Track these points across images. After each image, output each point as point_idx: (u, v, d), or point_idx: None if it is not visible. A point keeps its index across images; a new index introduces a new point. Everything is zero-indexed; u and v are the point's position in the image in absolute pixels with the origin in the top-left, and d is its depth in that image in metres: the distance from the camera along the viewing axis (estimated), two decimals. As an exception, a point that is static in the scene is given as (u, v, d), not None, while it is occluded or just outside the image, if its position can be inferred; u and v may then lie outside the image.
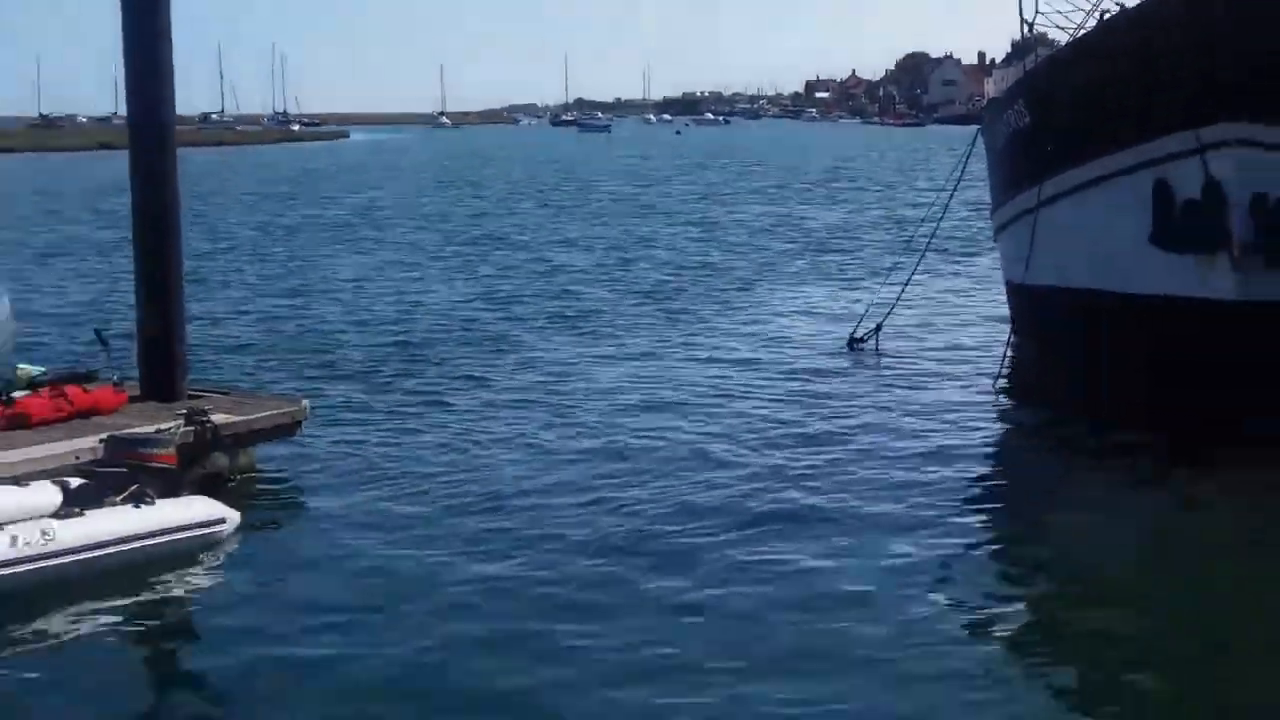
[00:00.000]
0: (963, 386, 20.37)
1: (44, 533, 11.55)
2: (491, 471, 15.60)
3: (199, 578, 12.21)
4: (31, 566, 11.35)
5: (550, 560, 12.52)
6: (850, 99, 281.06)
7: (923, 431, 17.50)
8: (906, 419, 18.20)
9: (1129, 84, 16.69)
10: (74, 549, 11.67)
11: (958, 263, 33.29)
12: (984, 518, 14.40)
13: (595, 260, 38.04)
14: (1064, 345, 19.57)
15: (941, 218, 25.44)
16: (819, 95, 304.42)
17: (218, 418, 14.49)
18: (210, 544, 12.66)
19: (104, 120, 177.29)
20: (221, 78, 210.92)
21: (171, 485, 13.02)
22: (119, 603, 11.50)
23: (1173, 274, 16.63)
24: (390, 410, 18.68)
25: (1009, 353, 21.13)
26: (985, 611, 11.71)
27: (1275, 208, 15.97)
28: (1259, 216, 15.96)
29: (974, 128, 25.41)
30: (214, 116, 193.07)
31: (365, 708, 9.59)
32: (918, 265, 25.66)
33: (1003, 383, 20.28)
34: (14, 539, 11.35)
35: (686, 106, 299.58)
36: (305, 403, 16.07)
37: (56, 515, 11.92)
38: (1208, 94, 15.57)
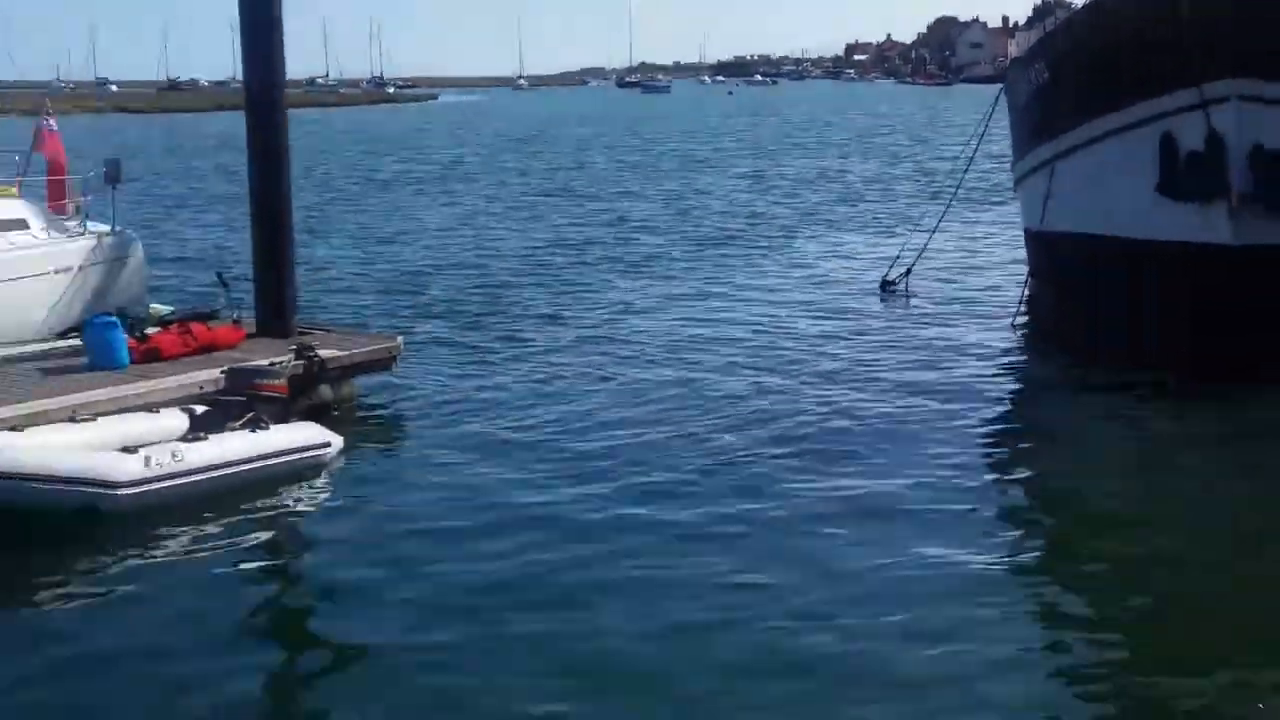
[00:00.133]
0: (984, 326, 20.48)
1: (173, 454, 11.92)
2: (563, 401, 15.76)
3: (306, 495, 12.43)
4: (163, 485, 11.71)
5: (615, 481, 12.71)
6: (885, 61, 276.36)
7: (947, 366, 17.64)
8: (933, 355, 18.32)
9: (1138, 44, 16.48)
10: (199, 469, 12.00)
11: (981, 211, 33.12)
12: (997, 444, 14.53)
13: (656, 209, 38.15)
14: (1077, 288, 19.34)
15: (966, 170, 25.47)
16: (857, 58, 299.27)
17: (324, 352, 14.72)
18: (317, 466, 12.91)
19: (222, 84, 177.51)
20: (326, 46, 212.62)
21: (283, 412, 13.31)
22: (237, 517, 11.75)
23: (1177, 221, 16.52)
24: (474, 345, 18.90)
25: (1026, 294, 21.27)
26: (990, 525, 11.86)
27: (1272, 158, 15.85)
28: (1257, 167, 15.89)
29: (998, 87, 25.28)
30: (319, 81, 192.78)
31: (451, 608, 9.81)
32: (945, 214, 25.66)
33: (1021, 321, 20.47)
34: (148, 460, 11.69)
35: (738, 69, 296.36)
36: (400, 339, 16.31)
37: (184, 439, 12.39)
38: (1210, 52, 15.41)
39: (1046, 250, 21.10)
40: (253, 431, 12.85)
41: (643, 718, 8.32)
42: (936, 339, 19.54)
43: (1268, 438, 14.19)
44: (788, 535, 11.37)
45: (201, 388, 13.71)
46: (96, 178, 17.62)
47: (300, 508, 12.29)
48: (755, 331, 20.27)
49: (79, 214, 17.32)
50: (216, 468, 12.25)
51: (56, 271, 15.97)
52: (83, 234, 16.77)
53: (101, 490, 11.50)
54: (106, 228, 17.13)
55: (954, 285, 24.09)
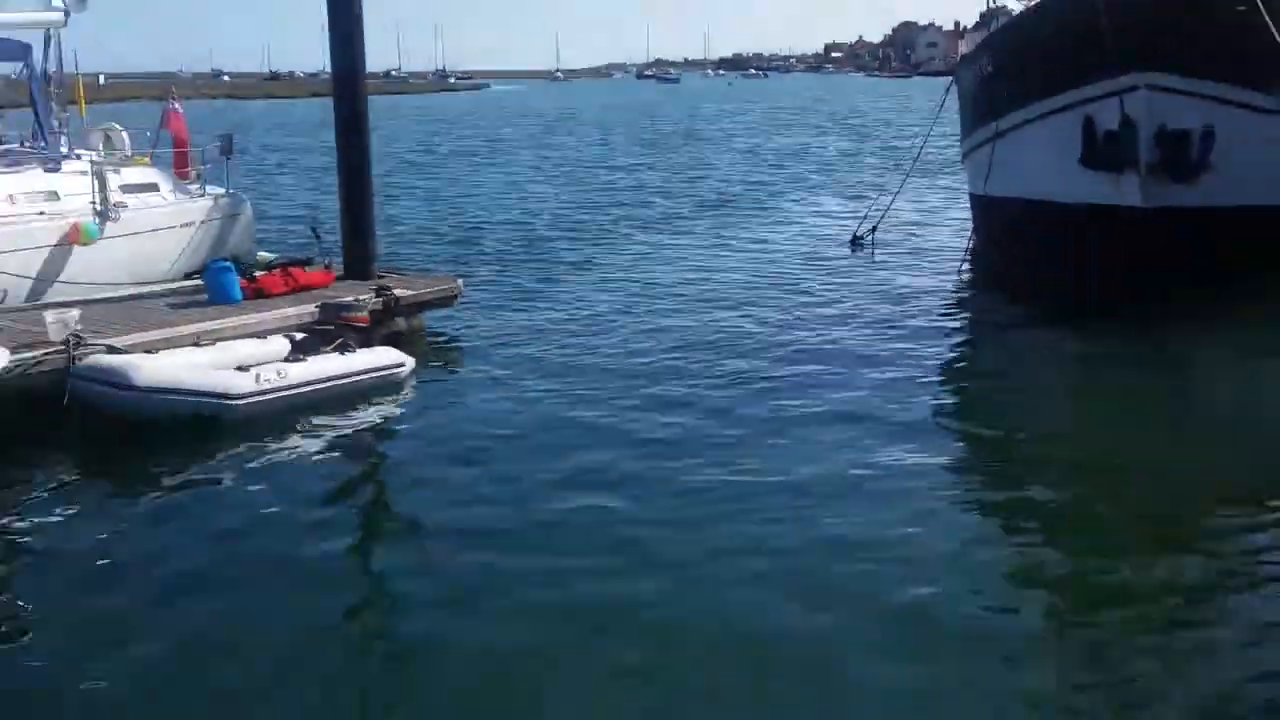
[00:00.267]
0: (936, 272, 20.55)
1: (278, 372, 12.13)
2: (592, 332, 15.87)
3: (384, 406, 12.57)
4: (270, 397, 11.93)
5: (634, 396, 12.81)
6: (857, 57, 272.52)
7: (905, 305, 17.67)
8: (893, 295, 18.35)
9: (1065, 43, 16.57)
10: (298, 384, 12.19)
11: (935, 180, 32.91)
12: (946, 366, 14.63)
13: (668, 177, 38.02)
14: (1013, 241, 19.52)
15: (923, 146, 25.37)
16: (834, 55, 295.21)
17: (398, 291, 14.93)
18: (393, 382, 13.07)
19: (314, 75, 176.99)
20: (398, 44, 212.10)
21: (365, 339, 13.56)
22: (330, 422, 11.94)
23: (1096, 187, 16.71)
24: (518, 287, 19.08)
25: (970, 247, 21.41)
26: (939, 432, 11.96)
27: (1172, 136, 16.01)
28: (1161, 143, 16.04)
29: (949, 78, 25.31)
30: (393, 73, 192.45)
31: (502, 496, 9.92)
32: (904, 182, 25.48)
33: (966, 269, 20.55)
34: (258, 377, 11.93)
35: (736, 64, 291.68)
36: (459, 281, 16.47)
37: (286, 360, 12.58)
38: (1124, 51, 15.51)
39: (988, 211, 21.18)
40: (341, 354, 13.03)
41: (645, 576, 8.45)
42: (896, 283, 19.58)
43: (1166, 359, 14.31)
44: (775, 436, 11.50)
45: (300, 319, 13.91)
46: (213, 150, 17.78)
47: (379, 415, 12.39)
48: (748, 276, 20.32)
49: (199, 179, 17.48)
50: (312, 383, 12.42)
51: (182, 226, 16.14)
52: (202, 195, 16.96)
53: (221, 401, 11.70)
54: (221, 190, 17.33)
55: (911, 239, 24.05)
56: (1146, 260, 15.71)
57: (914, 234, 24.77)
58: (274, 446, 11.33)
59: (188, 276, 15.66)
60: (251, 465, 10.88)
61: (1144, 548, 8.95)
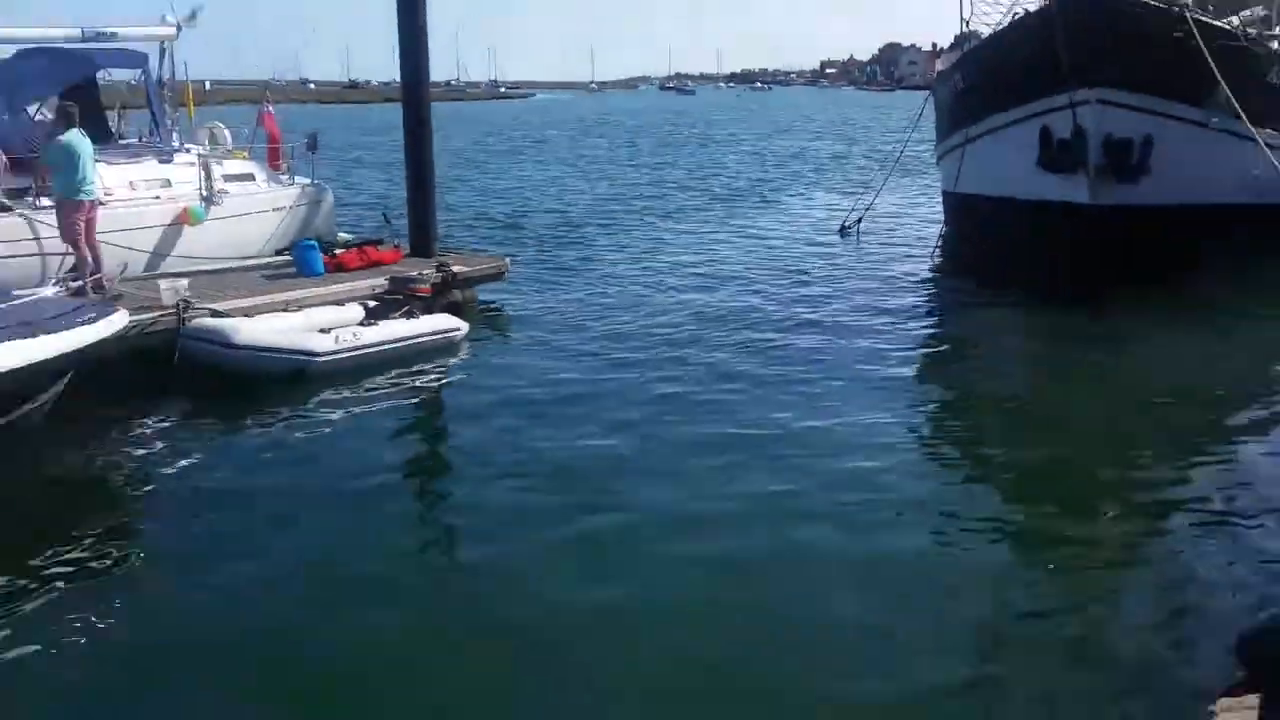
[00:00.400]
0: (912, 259, 20.30)
1: (354, 334, 12.18)
2: (619, 306, 15.73)
3: (443, 363, 12.57)
4: (346, 355, 11.96)
5: (655, 363, 12.68)
6: (849, 73, 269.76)
7: (885, 286, 17.47)
8: (875, 278, 18.14)
9: (1026, 63, 16.33)
10: (371, 345, 12.22)
11: (914, 179, 32.59)
12: (920, 341, 14.45)
13: (684, 174, 37.71)
14: (979, 232, 19.28)
15: (903, 150, 25.15)
16: (829, 70, 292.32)
17: (455, 267, 14.85)
18: (452, 343, 13.10)
19: (386, 83, 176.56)
20: (457, 58, 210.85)
21: (427, 307, 13.57)
22: (396, 376, 11.95)
23: (1051, 186, 16.46)
24: (558, 266, 18.94)
25: (941, 237, 21.28)
26: (912, 398, 11.88)
27: (1117, 144, 15.81)
28: (1107, 149, 15.83)
29: (927, 92, 24.97)
30: (451, 83, 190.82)
31: (542, 441, 9.80)
32: (886, 180, 25.33)
33: (937, 256, 20.37)
34: (337, 338, 11.98)
35: (744, 78, 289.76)
36: (507, 259, 16.46)
37: (361, 324, 12.59)
38: (1077, 70, 15.34)
39: (958, 206, 20.90)
40: (407, 319, 13.03)
41: (658, 500, 8.39)
42: (878, 267, 19.39)
43: (1105, 334, 14.13)
44: (775, 392, 11.46)
45: (373, 289, 13.89)
46: (300, 146, 17.68)
47: (437, 371, 12.40)
48: (752, 258, 20.17)
49: (289, 171, 17.39)
50: (382, 344, 12.42)
51: (274, 210, 16.04)
52: (291, 185, 16.85)
53: (306, 358, 11.74)
54: (307, 180, 17.23)
55: (891, 230, 23.78)
56: (1093, 250, 15.60)
57: (894, 225, 24.53)
58: (349, 396, 11.37)
59: (278, 253, 15.55)
60: (331, 411, 10.92)
61: (1085, 495, 8.81)
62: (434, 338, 13.00)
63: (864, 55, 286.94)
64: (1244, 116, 15.52)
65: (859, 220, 23.68)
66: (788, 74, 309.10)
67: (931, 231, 22.45)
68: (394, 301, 13.52)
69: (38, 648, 6.38)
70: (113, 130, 15.71)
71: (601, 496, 8.53)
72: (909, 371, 12.67)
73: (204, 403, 11.02)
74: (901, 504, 8.51)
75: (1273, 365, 12.95)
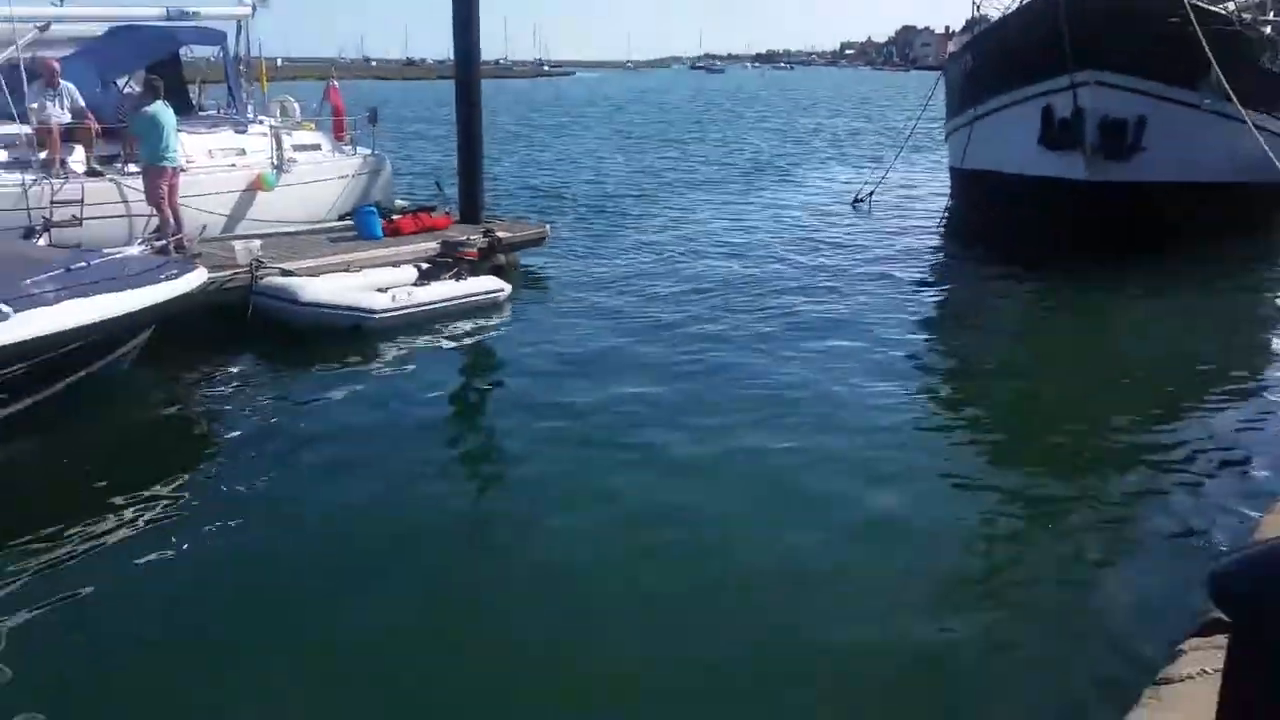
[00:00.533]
0: (920, 229, 20.04)
1: (408, 293, 12.14)
2: (651, 271, 15.59)
3: (488, 320, 12.56)
4: (401, 312, 11.94)
5: (682, 321, 12.55)
6: (866, 54, 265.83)
7: (895, 255, 17.25)
8: (885, 247, 17.94)
9: (1031, 46, 16.15)
10: (424, 303, 12.19)
11: (923, 155, 32.07)
12: (927, 306, 14.30)
13: (711, 148, 37.30)
14: (984, 205, 19.22)
15: (915, 127, 24.93)
16: (848, 52, 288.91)
17: (500, 233, 14.84)
18: (496, 303, 13.03)
19: (442, 62, 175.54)
20: (505, 39, 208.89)
21: (474, 269, 13.52)
22: (446, 332, 11.96)
23: (1052, 163, 16.34)
24: (593, 234, 18.76)
25: (948, 209, 21.08)
26: (918, 360, 11.62)
27: (1113, 124, 15.62)
28: (1103, 129, 15.65)
29: (939, 73, 24.67)
30: (499, 62, 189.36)
31: (578, 392, 9.73)
32: (898, 155, 25.04)
33: (944, 227, 20.12)
34: (393, 296, 11.96)
35: (768, 58, 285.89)
36: (547, 226, 16.41)
37: (415, 284, 12.56)
38: (1078, 53, 15.16)
39: (964, 180, 20.69)
40: (456, 280, 12.99)
41: (664, 458, 8.25)
42: (888, 237, 19.13)
43: (1099, 301, 13.95)
44: (791, 351, 11.33)
45: (425, 252, 13.84)
46: (362, 119, 17.57)
47: (483, 328, 12.39)
48: (773, 227, 19.97)
49: (352, 142, 17.30)
50: (434, 302, 12.41)
51: (338, 178, 15.98)
52: (354, 155, 16.78)
53: (365, 314, 11.73)
54: (368, 151, 17.13)
55: (902, 203, 23.43)
56: (1090, 224, 15.47)
57: (904, 197, 24.19)
58: (404, 350, 11.37)
59: (341, 218, 15.52)
60: (388, 363, 10.94)
61: (1072, 455, 8.66)
62: (480, 298, 12.96)
63: (881, 38, 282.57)
64: (1235, 99, 15.18)
65: (871, 193, 23.34)
66: (809, 55, 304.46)
67: (939, 205, 22.10)
68: (444, 264, 13.47)
69: (122, 576, 6.46)
70: (193, 102, 15.73)
71: (626, 450, 8.40)
72: (914, 336, 12.51)
73: (273, 353, 11.05)
74: (900, 461, 8.36)
75: (1256, 332, 12.80)
